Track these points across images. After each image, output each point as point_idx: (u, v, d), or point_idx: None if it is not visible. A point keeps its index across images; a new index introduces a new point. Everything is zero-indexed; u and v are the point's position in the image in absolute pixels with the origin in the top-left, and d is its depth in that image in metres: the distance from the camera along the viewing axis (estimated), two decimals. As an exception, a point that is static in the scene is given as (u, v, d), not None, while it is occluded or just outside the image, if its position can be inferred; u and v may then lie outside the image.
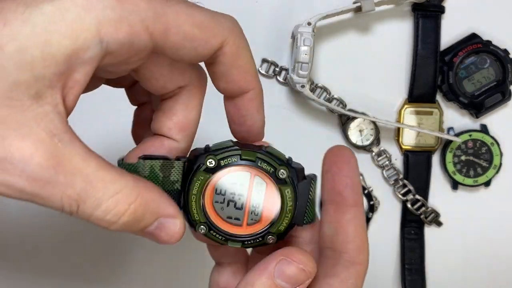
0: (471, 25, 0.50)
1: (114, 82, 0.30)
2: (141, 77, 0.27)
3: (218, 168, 0.27)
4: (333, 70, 0.50)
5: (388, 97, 0.51)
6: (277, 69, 0.49)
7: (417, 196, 0.52)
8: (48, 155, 0.21)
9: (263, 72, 0.49)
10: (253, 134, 0.29)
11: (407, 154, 0.52)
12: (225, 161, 0.27)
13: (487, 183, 0.52)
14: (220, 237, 0.27)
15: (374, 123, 0.51)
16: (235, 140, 0.29)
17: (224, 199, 0.27)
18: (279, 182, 0.27)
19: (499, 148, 0.52)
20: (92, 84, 0.28)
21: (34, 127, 0.21)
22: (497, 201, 0.53)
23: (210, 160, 0.26)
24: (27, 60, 0.21)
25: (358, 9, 0.47)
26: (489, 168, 0.52)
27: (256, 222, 0.27)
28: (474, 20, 0.50)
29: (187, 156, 0.28)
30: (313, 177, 0.28)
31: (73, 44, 0.21)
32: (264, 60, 0.49)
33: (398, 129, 0.51)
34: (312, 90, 0.49)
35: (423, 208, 0.52)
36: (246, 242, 0.28)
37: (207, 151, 0.27)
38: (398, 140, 0.52)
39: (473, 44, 0.50)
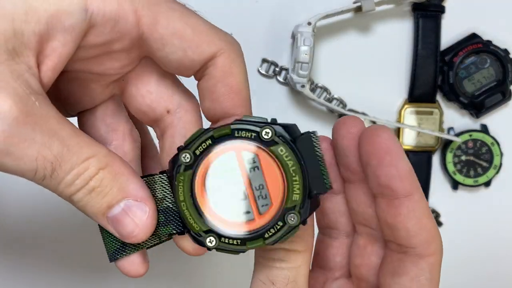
0: (471, 25, 0.50)
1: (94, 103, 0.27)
2: (127, 95, 0.26)
3: (196, 160, 0.22)
4: (333, 70, 0.50)
5: (388, 97, 0.51)
6: (277, 69, 0.49)
7: (417, 196, 0.52)
8: (26, 112, 0.20)
9: (263, 72, 0.49)
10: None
11: (407, 154, 0.51)
12: (200, 149, 0.22)
13: (487, 183, 0.52)
14: (235, 243, 0.22)
15: (374, 123, 0.51)
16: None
17: (220, 195, 0.23)
18: (268, 144, 0.22)
19: (499, 148, 0.51)
20: (70, 106, 0.26)
21: (11, 82, 0.20)
22: (497, 201, 0.53)
23: (184, 155, 0.22)
24: (9, 10, 0.20)
25: (358, 9, 0.47)
26: (489, 168, 0.52)
27: (268, 206, 0.22)
28: (474, 20, 0.50)
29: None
30: (312, 133, 0.23)
31: (58, 4, 0.20)
32: (264, 60, 0.49)
33: (398, 129, 0.51)
34: (312, 90, 0.49)
35: (423, 208, 0.52)
36: (267, 236, 0.22)
37: (179, 150, 0.23)
38: (398, 140, 0.52)
39: (473, 44, 0.49)
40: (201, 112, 0.27)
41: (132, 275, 0.25)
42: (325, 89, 0.50)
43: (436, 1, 0.50)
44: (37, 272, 0.49)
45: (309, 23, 0.45)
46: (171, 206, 0.24)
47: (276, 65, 0.49)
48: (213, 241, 0.22)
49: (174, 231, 0.24)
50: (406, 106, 0.51)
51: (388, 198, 0.24)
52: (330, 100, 0.50)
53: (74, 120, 0.27)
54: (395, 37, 0.50)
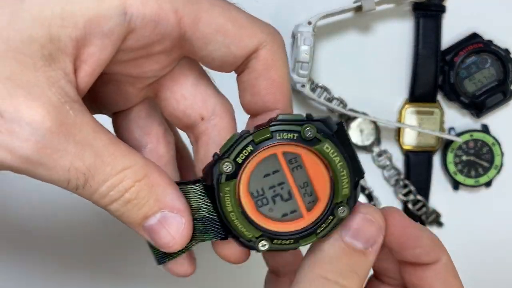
0: (472, 24, 0.50)
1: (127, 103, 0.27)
2: (161, 99, 0.25)
3: (238, 168, 0.22)
4: (334, 70, 0.50)
5: (389, 97, 0.51)
6: (277, 69, 0.49)
7: (418, 197, 0.51)
8: (60, 122, 0.19)
9: (263, 72, 0.49)
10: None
11: (408, 154, 0.51)
12: (241, 156, 0.22)
13: (488, 184, 0.52)
14: (288, 242, 0.23)
15: (374, 123, 0.50)
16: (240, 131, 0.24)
17: (266, 198, 0.23)
18: (312, 144, 0.22)
19: (500, 148, 0.51)
20: (103, 104, 0.26)
21: (45, 90, 0.19)
22: (498, 202, 0.53)
23: (225, 165, 0.22)
24: (46, 16, 0.19)
25: (358, 9, 0.47)
26: (490, 168, 0.52)
27: (315, 202, 0.23)
28: (475, 20, 0.50)
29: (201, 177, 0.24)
30: (341, 122, 0.23)
31: (95, 8, 0.20)
32: (264, 60, 0.49)
33: (399, 129, 0.51)
34: (312, 90, 0.49)
35: (424, 209, 0.52)
36: (319, 231, 0.23)
37: (217, 159, 0.22)
38: (398, 140, 0.51)
39: (474, 43, 0.49)
40: (234, 110, 0.27)
41: (182, 275, 0.25)
42: (325, 89, 0.50)
43: (436, 0, 0.49)
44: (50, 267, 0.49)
45: (309, 23, 0.44)
46: (207, 215, 0.23)
47: (276, 65, 0.49)
48: (265, 244, 0.23)
49: (215, 238, 0.24)
50: (406, 106, 0.51)
51: (413, 264, 0.24)
52: (330, 100, 0.50)
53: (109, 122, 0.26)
54: (396, 36, 0.50)
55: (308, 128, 0.22)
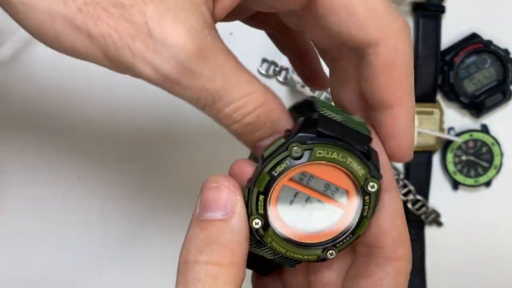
0: (472, 24, 0.50)
1: (258, 21, 0.29)
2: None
3: (266, 220, 0.22)
4: (333, 70, 0.50)
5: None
6: (277, 69, 0.49)
7: (418, 196, 0.52)
8: (199, 46, 0.21)
9: (263, 72, 0.49)
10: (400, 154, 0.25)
11: (408, 154, 0.52)
12: (260, 208, 0.22)
13: (487, 183, 0.52)
14: (348, 238, 0.23)
15: (374, 123, 0.50)
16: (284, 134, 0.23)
17: (306, 219, 0.23)
18: (305, 159, 0.22)
19: (500, 148, 0.51)
20: (239, 11, 0.26)
21: (189, 15, 0.21)
22: (498, 201, 0.53)
23: (255, 222, 0.22)
24: None
25: (358, 9, 0.47)
26: (489, 168, 0.52)
27: (345, 193, 0.23)
28: (474, 20, 0.50)
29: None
30: (314, 101, 0.24)
31: None
32: (264, 60, 0.49)
33: (399, 129, 0.51)
34: (313, 90, 0.49)
35: (424, 208, 0.52)
36: (365, 213, 0.23)
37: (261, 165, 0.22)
38: (398, 140, 0.51)
39: (474, 43, 0.49)
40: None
41: None
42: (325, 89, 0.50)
43: (436, 1, 0.50)
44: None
45: (309, 23, 0.44)
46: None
47: (276, 65, 0.49)
48: (333, 252, 0.23)
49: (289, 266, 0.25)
50: (406, 106, 0.51)
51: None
52: (330, 100, 0.50)
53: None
54: (396, 37, 0.50)
55: (294, 148, 0.22)
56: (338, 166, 0.22)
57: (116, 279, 0.49)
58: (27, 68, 0.46)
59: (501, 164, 0.52)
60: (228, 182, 0.22)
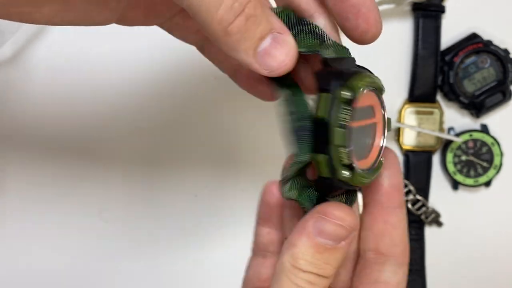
0: (472, 24, 0.50)
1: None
2: None
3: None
4: (333, 70, 0.50)
5: (388, 96, 0.50)
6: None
7: (418, 196, 0.52)
8: None
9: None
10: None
11: (408, 154, 0.52)
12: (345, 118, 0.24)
13: (487, 183, 0.52)
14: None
15: (374, 123, 0.50)
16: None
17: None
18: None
19: (500, 148, 0.51)
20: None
21: None
22: (498, 201, 0.53)
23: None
24: None
25: (358, 9, 0.47)
26: (489, 168, 0.52)
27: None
28: (474, 20, 0.50)
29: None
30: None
31: None
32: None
33: (398, 129, 0.51)
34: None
35: (424, 208, 0.52)
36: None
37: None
38: (398, 140, 0.51)
39: (474, 43, 0.49)
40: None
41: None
42: (325, 89, 0.50)
43: (436, 1, 0.50)
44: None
45: (309, 23, 0.44)
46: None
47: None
48: (383, 159, 0.26)
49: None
50: (406, 106, 0.51)
51: (382, 206, 0.27)
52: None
53: None
54: (395, 36, 0.50)
55: (342, 93, 0.23)
56: (371, 88, 0.24)
57: (116, 278, 0.49)
58: (27, 68, 0.46)
59: (501, 164, 0.52)
60: (350, 219, 0.24)
